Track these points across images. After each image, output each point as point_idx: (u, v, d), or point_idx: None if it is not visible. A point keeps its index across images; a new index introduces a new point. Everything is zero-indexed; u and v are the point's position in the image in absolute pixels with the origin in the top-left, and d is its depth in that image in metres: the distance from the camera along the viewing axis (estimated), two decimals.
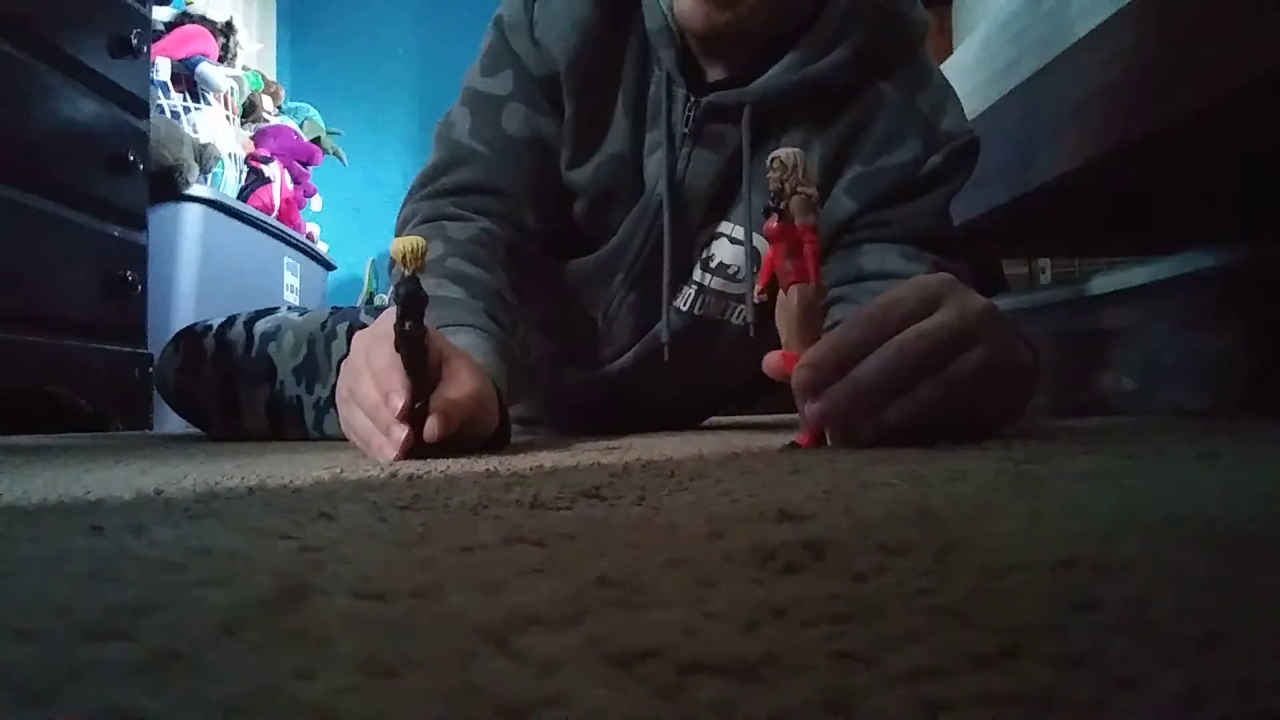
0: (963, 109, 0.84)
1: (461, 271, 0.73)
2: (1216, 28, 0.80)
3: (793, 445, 0.57)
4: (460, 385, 0.55)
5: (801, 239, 0.55)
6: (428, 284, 0.67)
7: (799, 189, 0.55)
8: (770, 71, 0.78)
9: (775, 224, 0.55)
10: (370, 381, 0.55)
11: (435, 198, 0.82)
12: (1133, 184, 1.13)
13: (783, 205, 0.55)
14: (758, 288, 0.59)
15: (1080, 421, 0.95)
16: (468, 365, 0.57)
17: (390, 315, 0.56)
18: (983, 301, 0.52)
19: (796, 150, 0.56)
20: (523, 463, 0.53)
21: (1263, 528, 0.26)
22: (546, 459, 0.55)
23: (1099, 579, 0.19)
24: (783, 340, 0.57)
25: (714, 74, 0.82)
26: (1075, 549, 0.22)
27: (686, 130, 0.81)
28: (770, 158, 0.56)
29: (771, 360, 0.55)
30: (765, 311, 0.77)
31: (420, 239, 0.52)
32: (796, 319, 0.55)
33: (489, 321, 0.70)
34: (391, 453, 0.52)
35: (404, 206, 0.85)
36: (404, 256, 0.51)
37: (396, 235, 0.75)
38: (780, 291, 0.57)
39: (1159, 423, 0.86)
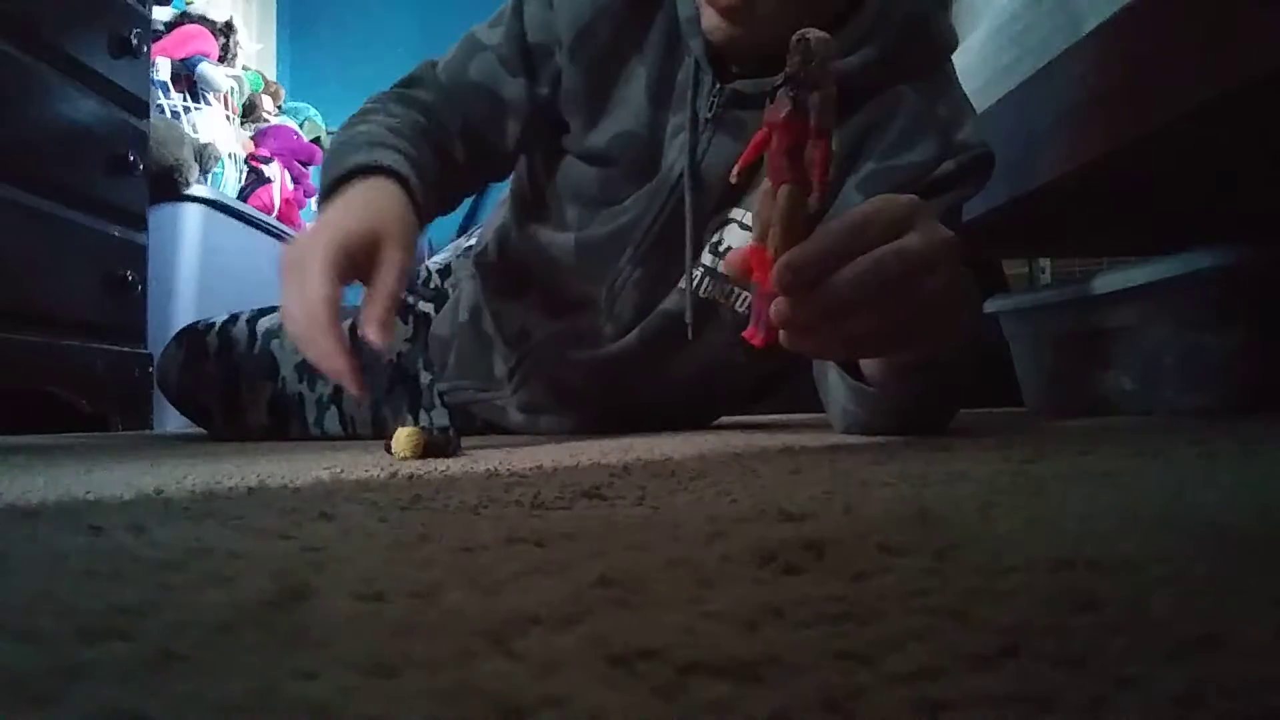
0: (980, 126, 0.84)
1: (394, 125, 0.82)
2: (1216, 28, 0.80)
3: (740, 348, 0.54)
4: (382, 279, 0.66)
5: (814, 139, 0.48)
6: (362, 127, 0.81)
7: (822, 84, 0.47)
8: None
9: (784, 114, 0.47)
10: (304, 301, 0.64)
11: (387, 95, 0.90)
12: (1133, 184, 1.13)
13: (797, 95, 0.47)
14: (737, 166, 0.53)
15: (1080, 421, 0.95)
16: (388, 269, 0.67)
17: (324, 225, 0.69)
18: (946, 233, 0.53)
19: (828, 38, 0.48)
20: (523, 463, 0.53)
21: (1263, 528, 0.26)
22: (546, 459, 0.55)
23: (1099, 579, 0.19)
24: (754, 235, 0.52)
25: (735, 65, 0.83)
26: (1075, 549, 0.22)
27: (709, 115, 0.82)
28: (796, 36, 0.48)
29: (735, 256, 0.52)
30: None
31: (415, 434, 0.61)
32: (781, 220, 0.49)
33: (408, 146, 0.79)
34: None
35: (370, 97, 0.91)
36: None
37: (345, 124, 0.85)
38: (768, 184, 0.50)
39: (1159, 423, 0.86)
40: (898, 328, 0.51)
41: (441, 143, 0.86)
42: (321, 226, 0.69)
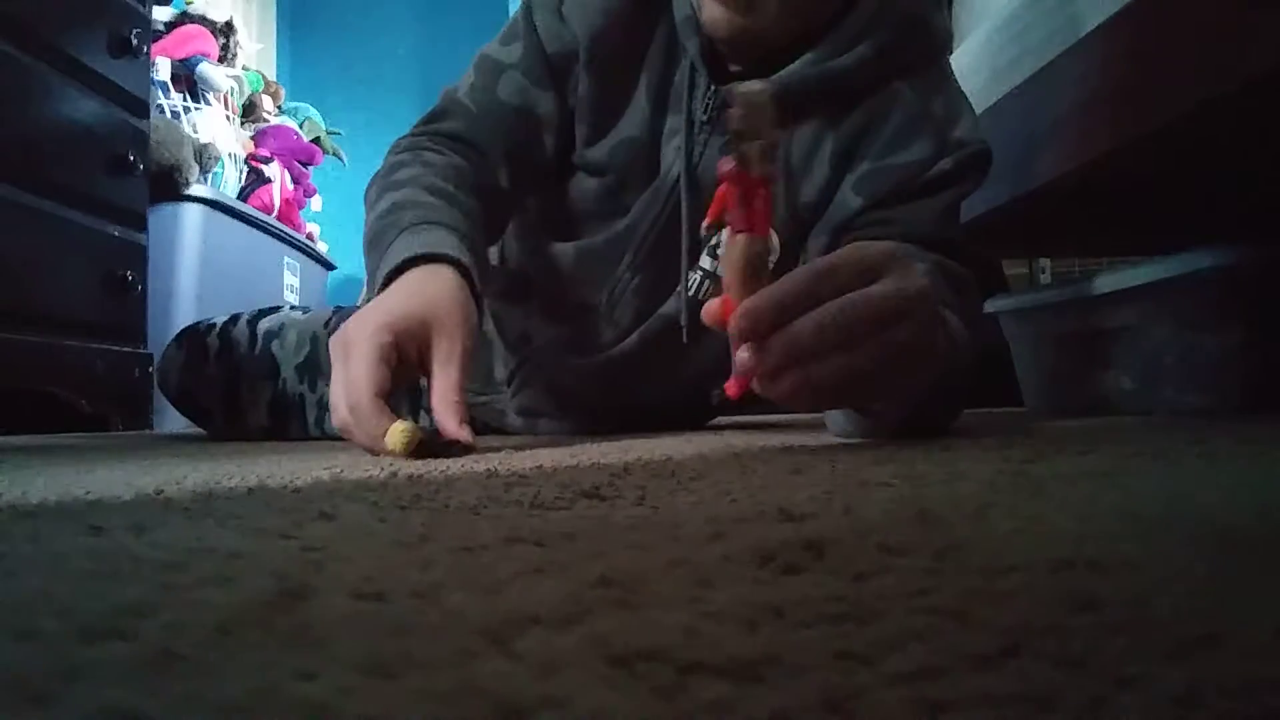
0: (978, 121, 0.84)
1: (435, 184, 0.77)
2: (1216, 28, 0.80)
3: (722, 393, 0.56)
4: (444, 369, 0.62)
5: (755, 188, 0.51)
6: (402, 194, 0.75)
7: (760, 135, 0.51)
8: (791, 65, 0.79)
9: (730, 167, 0.51)
10: (348, 387, 0.60)
11: (418, 137, 0.86)
12: (1133, 184, 1.13)
13: (742, 150, 0.51)
14: (705, 221, 0.56)
15: (1080, 421, 0.95)
16: (447, 360, 0.63)
17: (374, 309, 0.63)
18: (922, 281, 0.53)
19: (766, 88, 0.51)
20: (523, 463, 0.53)
21: (1263, 528, 0.26)
22: (546, 459, 0.55)
23: (1099, 579, 0.19)
24: (724, 286, 0.54)
25: (736, 66, 0.83)
26: (1075, 549, 0.22)
27: (706, 118, 0.82)
28: (738, 91, 0.51)
29: (711, 307, 0.54)
30: None
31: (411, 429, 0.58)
32: (739, 269, 0.52)
33: (459, 218, 0.73)
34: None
35: (396, 144, 0.87)
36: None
37: (379, 173, 0.81)
38: (728, 235, 0.53)
39: (1159, 423, 0.86)
40: (867, 376, 0.50)
41: (485, 178, 0.83)
42: (371, 309, 0.64)
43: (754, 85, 0.52)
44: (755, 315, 0.49)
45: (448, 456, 0.60)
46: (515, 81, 0.85)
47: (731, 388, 0.53)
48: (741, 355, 0.51)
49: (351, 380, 0.60)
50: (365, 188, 0.83)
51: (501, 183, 0.85)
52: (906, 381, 0.55)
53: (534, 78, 0.85)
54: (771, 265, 0.55)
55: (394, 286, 0.67)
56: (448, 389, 0.62)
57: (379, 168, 0.84)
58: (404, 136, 0.86)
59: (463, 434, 0.60)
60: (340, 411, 0.61)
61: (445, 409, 0.61)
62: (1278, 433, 0.64)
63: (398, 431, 0.58)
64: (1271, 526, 0.26)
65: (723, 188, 0.52)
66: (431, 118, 0.87)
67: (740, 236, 0.52)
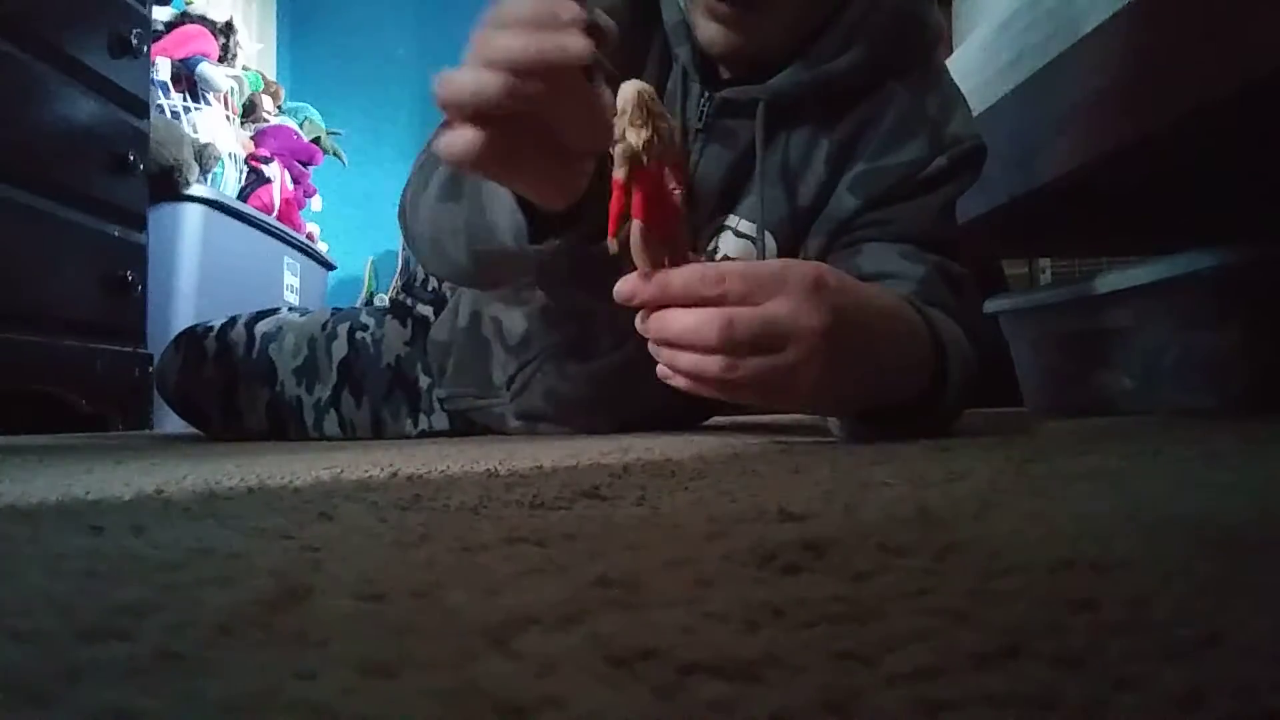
0: (971, 115, 0.84)
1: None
2: (1216, 28, 0.80)
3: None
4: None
5: (623, 187, 0.55)
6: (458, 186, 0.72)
7: (625, 135, 0.53)
8: (784, 71, 0.79)
9: (615, 179, 0.55)
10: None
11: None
12: (1133, 184, 1.13)
13: (613, 152, 0.54)
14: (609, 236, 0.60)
15: (1080, 421, 0.95)
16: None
17: None
18: (821, 318, 0.53)
19: (633, 88, 0.51)
20: (523, 463, 0.53)
21: (1263, 528, 0.26)
22: (546, 459, 0.55)
23: (1099, 579, 0.19)
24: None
25: (727, 73, 0.83)
26: (1075, 549, 0.22)
27: (700, 125, 0.82)
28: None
29: (620, 284, 0.58)
30: None
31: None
32: (633, 252, 0.57)
33: None
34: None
35: (417, 159, 0.86)
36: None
37: (410, 184, 0.80)
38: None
39: (1159, 423, 0.86)
40: (720, 383, 0.54)
41: None
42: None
43: (628, 86, 0.52)
44: (632, 286, 0.55)
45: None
46: None
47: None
48: (640, 316, 0.57)
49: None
50: (399, 210, 0.84)
51: None
52: (780, 400, 0.58)
53: None
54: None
55: None
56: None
57: (405, 185, 0.84)
58: (426, 150, 0.86)
59: None
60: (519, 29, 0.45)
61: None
62: (1278, 433, 0.64)
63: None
64: (1271, 526, 0.26)
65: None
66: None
67: (634, 222, 0.56)
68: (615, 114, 0.53)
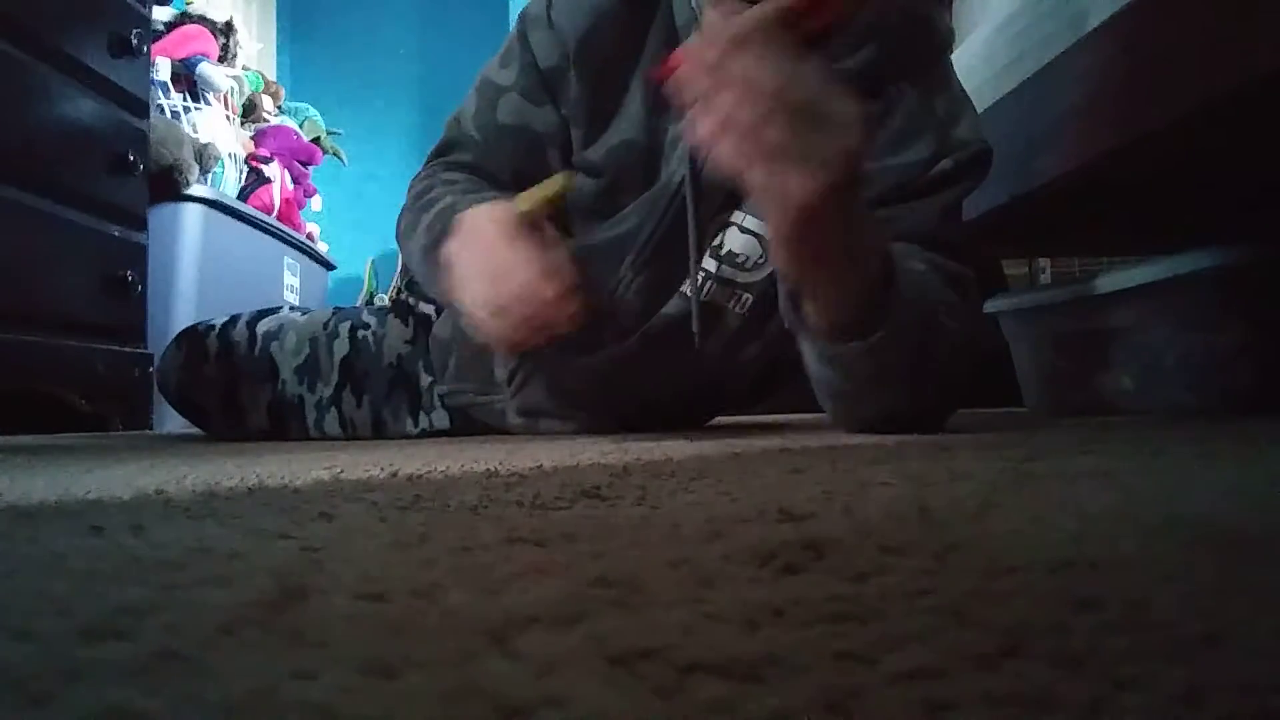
0: (979, 119, 0.84)
1: (469, 188, 0.84)
2: (1216, 28, 0.80)
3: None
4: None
5: None
6: (444, 203, 0.81)
7: None
8: None
9: None
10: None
11: (433, 169, 0.91)
12: (1133, 184, 1.13)
13: None
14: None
15: (1080, 421, 0.95)
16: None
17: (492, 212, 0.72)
18: (859, 107, 0.57)
19: None
20: (523, 463, 0.53)
21: (1263, 528, 0.26)
22: (546, 459, 0.55)
23: (1099, 579, 0.19)
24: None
25: None
26: (1075, 549, 0.22)
27: None
28: None
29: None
30: (768, 299, 0.80)
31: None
32: (765, 27, 0.56)
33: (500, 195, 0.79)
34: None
35: (415, 180, 0.92)
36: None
37: (407, 206, 0.87)
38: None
39: (1159, 423, 0.86)
40: (768, 139, 0.54)
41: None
42: (481, 214, 0.75)
43: None
44: (717, 30, 0.55)
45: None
46: (512, 103, 0.88)
47: (663, 68, 0.59)
48: (690, 44, 0.57)
49: (542, 262, 0.72)
50: (396, 231, 0.89)
51: None
52: (821, 180, 0.57)
53: (530, 96, 0.87)
54: None
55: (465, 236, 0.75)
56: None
57: (404, 205, 0.89)
58: (424, 170, 0.91)
59: None
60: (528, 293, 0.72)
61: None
62: (1278, 433, 0.64)
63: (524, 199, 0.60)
64: (1271, 526, 0.26)
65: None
66: (441, 150, 0.91)
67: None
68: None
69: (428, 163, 0.91)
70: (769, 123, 0.54)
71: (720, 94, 0.55)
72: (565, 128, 0.87)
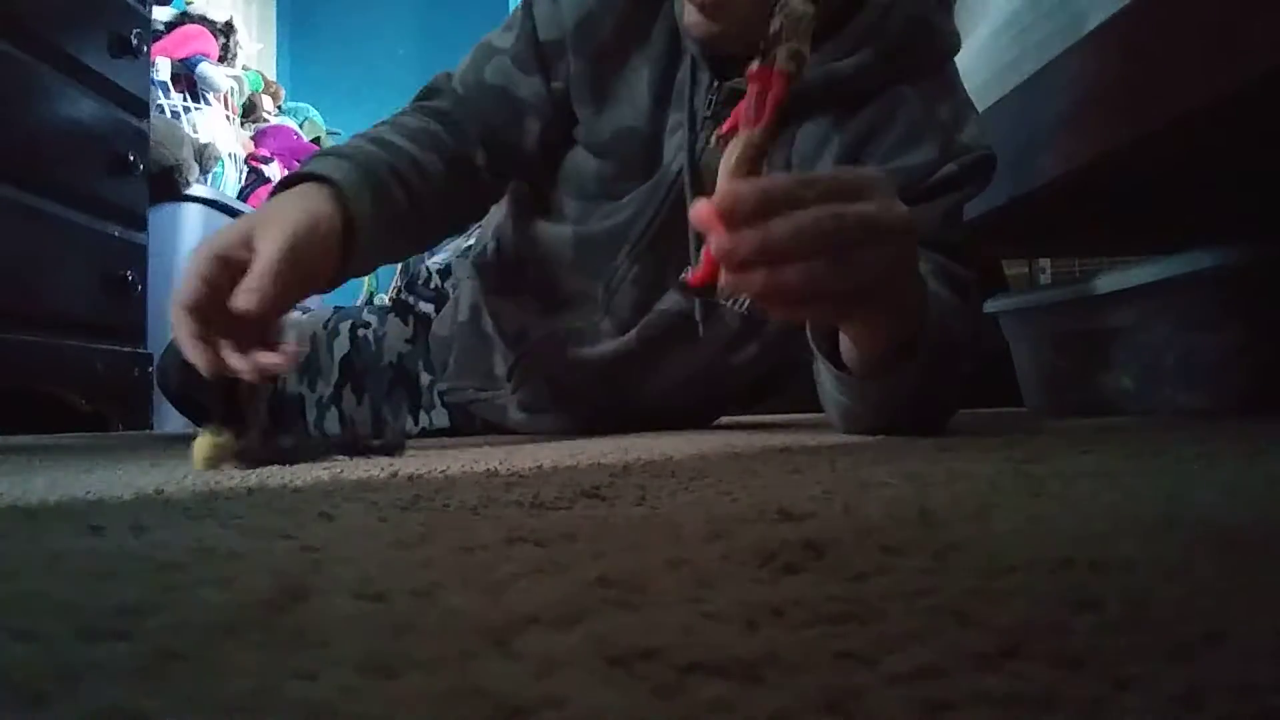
0: (983, 125, 0.84)
1: (384, 137, 0.79)
2: (1217, 28, 0.80)
3: (683, 283, 0.56)
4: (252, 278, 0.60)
5: (772, 79, 0.52)
6: (344, 143, 0.78)
7: (793, 39, 0.52)
8: None
9: (755, 67, 0.53)
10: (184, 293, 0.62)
11: (407, 110, 0.89)
12: (1133, 184, 1.13)
13: (768, 49, 0.52)
14: (722, 130, 0.56)
15: (1080, 421, 0.95)
16: (261, 252, 0.62)
17: (240, 224, 0.65)
18: (903, 211, 0.53)
19: (810, 8, 0.53)
20: (523, 463, 0.53)
21: (1263, 528, 0.26)
22: (546, 459, 0.55)
23: (1099, 579, 0.19)
24: (717, 185, 0.54)
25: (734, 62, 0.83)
26: (1075, 549, 0.22)
27: (709, 113, 0.82)
28: (780, 4, 0.53)
29: (700, 207, 0.52)
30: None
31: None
32: (732, 165, 0.52)
33: (371, 154, 0.75)
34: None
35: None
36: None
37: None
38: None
39: (1159, 423, 0.86)
40: (835, 287, 0.51)
41: (461, 152, 0.85)
42: (217, 230, 0.67)
43: (801, 3, 0.53)
44: (737, 197, 0.49)
45: (282, 461, 0.55)
46: (502, 65, 0.87)
47: (699, 274, 0.53)
48: (718, 238, 0.51)
49: (173, 294, 0.62)
50: None
51: (477, 161, 0.87)
52: (875, 306, 0.56)
53: (520, 62, 0.87)
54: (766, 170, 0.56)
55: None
56: (252, 275, 0.60)
57: None
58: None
59: (263, 360, 0.61)
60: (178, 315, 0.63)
61: (237, 294, 0.60)
62: (1278, 433, 0.64)
63: (199, 445, 0.53)
64: (1271, 526, 0.26)
65: (742, 103, 0.53)
66: (423, 95, 0.90)
67: (739, 135, 0.53)
68: (786, 19, 0.52)
69: (412, 101, 0.91)
70: (834, 277, 0.50)
71: (775, 271, 0.50)
72: (551, 101, 0.87)
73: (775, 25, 0.53)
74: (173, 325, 0.62)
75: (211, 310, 0.61)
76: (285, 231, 0.62)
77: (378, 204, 0.73)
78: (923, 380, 0.67)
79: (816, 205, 0.49)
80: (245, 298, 0.60)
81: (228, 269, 0.62)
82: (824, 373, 0.72)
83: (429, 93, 0.90)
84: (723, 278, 0.51)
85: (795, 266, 0.49)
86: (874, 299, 0.54)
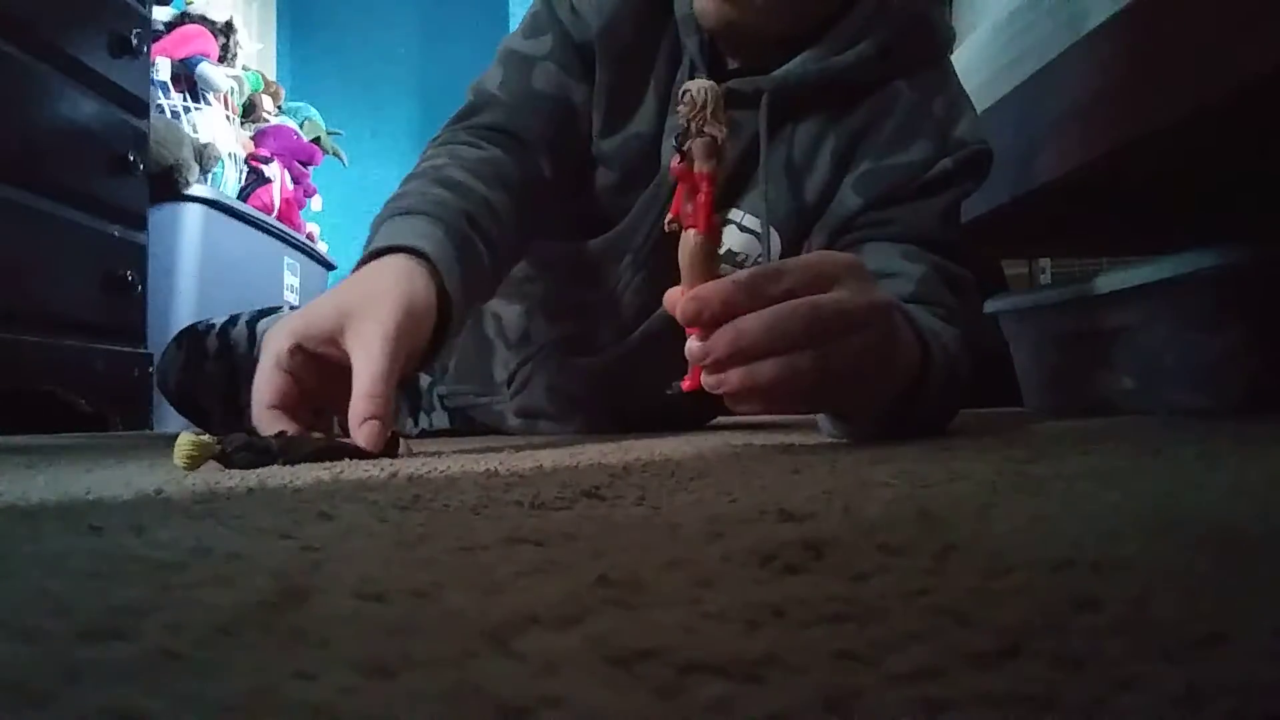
0: (979, 120, 0.84)
1: (452, 177, 0.73)
2: (1216, 28, 0.80)
3: (678, 387, 0.57)
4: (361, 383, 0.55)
5: (698, 185, 0.53)
6: (414, 185, 0.71)
7: (705, 129, 0.52)
8: (790, 62, 0.79)
9: (677, 164, 0.53)
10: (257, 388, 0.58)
11: (454, 132, 0.82)
12: (1133, 184, 1.13)
13: (686, 146, 0.53)
14: (668, 217, 0.56)
15: (1080, 421, 0.95)
16: (364, 349, 0.56)
17: (296, 313, 0.60)
18: (880, 295, 0.53)
19: (710, 85, 0.53)
20: (523, 463, 0.53)
21: (1263, 528, 0.26)
22: (546, 459, 0.55)
23: (1099, 579, 0.19)
24: (682, 281, 0.55)
25: (735, 64, 0.83)
26: (1075, 549, 0.22)
27: None
28: (681, 90, 0.53)
29: (670, 296, 0.54)
30: None
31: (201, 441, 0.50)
32: (686, 264, 0.54)
33: (456, 215, 0.69)
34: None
35: (429, 144, 0.84)
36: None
37: (409, 175, 0.76)
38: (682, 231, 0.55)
39: (1159, 423, 0.86)
40: (811, 381, 0.50)
41: (527, 170, 0.80)
42: (293, 313, 0.61)
43: (701, 82, 0.53)
44: (700, 301, 0.50)
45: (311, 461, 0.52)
46: (549, 71, 0.83)
47: (688, 381, 0.54)
48: (691, 344, 0.51)
49: (253, 388, 0.58)
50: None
51: (545, 173, 0.82)
52: (856, 392, 0.56)
53: (568, 68, 0.84)
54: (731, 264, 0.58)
55: (341, 284, 0.62)
56: (366, 380, 0.55)
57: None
58: (439, 134, 0.83)
59: (368, 438, 0.54)
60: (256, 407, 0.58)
61: (357, 405, 0.55)
62: (1278, 433, 0.64)
63: (180, 444, 0.50)
64: (1271, 526, 0.26)
65: (678, 188, 0.55)
66: (466, 113, 0.84)
67: (688, 232, 0.54)
68: (691, 108, 0.52)
69: (447, 127, 0.84)
70: (814, 370, 0.49)
71: (752, 369, 0.50)
72: (590, 107, 0.85)
73: (681, 118, 0.53)
74: (255, 422, 0.57)
75: (295, 403, 0.58)
76: (387, 328, 0.56)
77: (467, 273, 0.66)
78: (923, 419, 0.67)
79: (789, 297, 0.49)
80: (369, 429, 0.54)
81: (313, 360, 0.58)
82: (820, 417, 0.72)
83: (472, 110, 0.84)
84: (704, 379, 0.52)
85: (772, 361, 0.49)
86: (860, 381, 0.54)
